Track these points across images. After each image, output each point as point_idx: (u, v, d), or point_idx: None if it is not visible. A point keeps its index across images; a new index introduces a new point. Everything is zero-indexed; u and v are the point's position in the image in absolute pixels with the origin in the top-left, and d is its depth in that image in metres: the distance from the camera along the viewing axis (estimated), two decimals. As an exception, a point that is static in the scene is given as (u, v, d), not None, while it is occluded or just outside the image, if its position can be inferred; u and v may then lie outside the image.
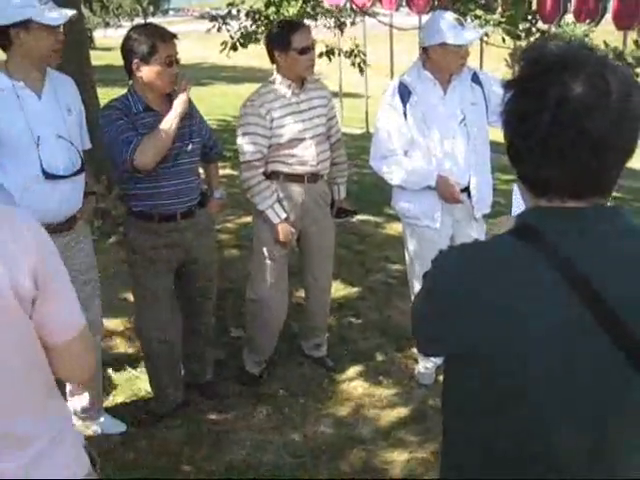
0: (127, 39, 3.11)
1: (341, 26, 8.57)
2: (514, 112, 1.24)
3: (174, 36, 3.14)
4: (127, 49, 3.10)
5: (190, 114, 3.31)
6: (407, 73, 3.61)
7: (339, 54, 8.32)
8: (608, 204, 1.25)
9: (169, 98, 3.21)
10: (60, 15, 2.82)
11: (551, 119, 1.17)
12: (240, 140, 3.53)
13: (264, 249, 3.69)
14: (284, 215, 3.57)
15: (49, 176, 2.85)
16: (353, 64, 8.43)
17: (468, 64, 3.54)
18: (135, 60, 3.06)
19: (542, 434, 1.22)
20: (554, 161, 1.20)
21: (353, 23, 9.31)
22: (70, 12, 2.86)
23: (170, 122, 3.09)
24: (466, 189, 3.50)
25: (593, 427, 1.21)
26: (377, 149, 3.63)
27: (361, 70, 8.36)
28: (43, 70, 2.92)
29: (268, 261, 3.70)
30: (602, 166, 1.19)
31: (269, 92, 3.53)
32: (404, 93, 3.51)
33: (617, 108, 1.16)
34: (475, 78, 3.57)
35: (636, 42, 8.14)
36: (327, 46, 8.33)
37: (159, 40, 3.05)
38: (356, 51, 8.33)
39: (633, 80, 1.20)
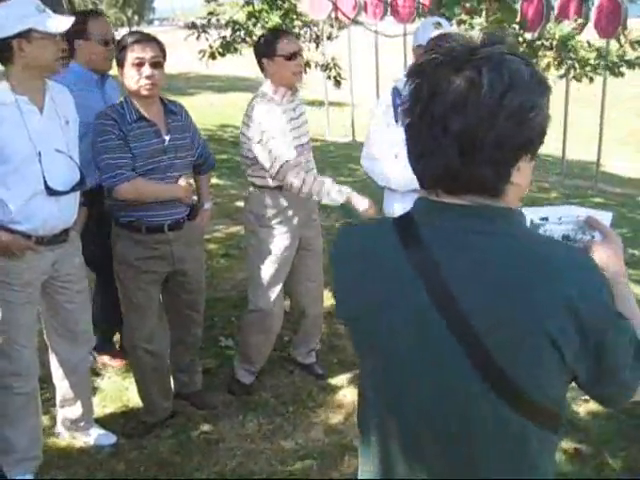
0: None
1: (316, 40, 8.57)
2: (404, 105, 1.26)
3: (147, 39, 3.14)
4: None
5: (184, 126, 3.32)
6: (401, 78, 3.68)
7: (315, 66, 8.34)
8: (502, 204, 1.23)
9: (163, 106, 3.24)
10: (60, 22, 2.81)
11: (420, 113, 1.19)
12: (271, 145, 3.40)
13: (271, 258, 3.66)
14: (348, 188, 3.46)
15: (52, 192, 2.85)
16: (329, 77, 8.46)
17: None
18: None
19: (394, 395, 1.35)
20: (424, 155, 1.22)
21: (329, 38, 9.33)
22: (69, 19, 2.86)
23: (162, 193, 3.21)
24: None
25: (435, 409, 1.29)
26: (368, 150, 3.71)
27: (337, 83, 8.38)
28: (44, 82, 2.91)
29: (274, 271, 3.69)
30: (470, 163, 1.17)
31: (270, 100, 3.53)
32: (396, 97, 3.56)
33: (488, 105, 1.14)
34: None
35: (619, 40, 8.25)
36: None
37: (133, 41, 3.10)
38: (332, 64, 8.36)
39: (523, 78, 1.16)
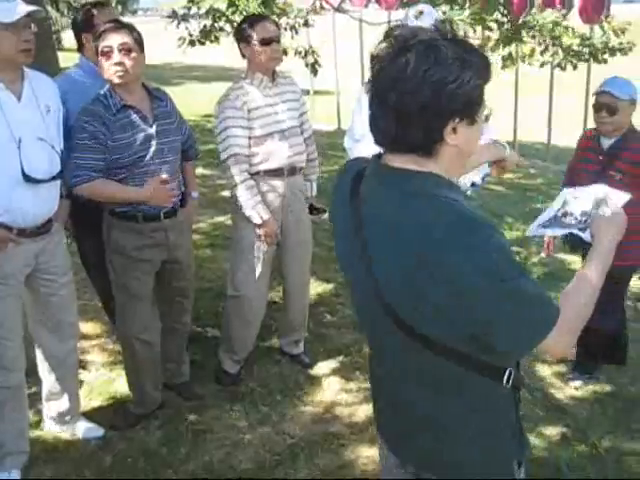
0: None
1: (292, 28, 8.53)
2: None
3: (116, 26, 3.12)
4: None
5: (170, 112, 3.32)
6: None
7: (295, 54, 8.31)
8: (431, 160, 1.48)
9: (149, 94, 3.24)
10: (15, 11, 2.71)
11: (372, 88, 1.48)
12: (221, 136, 3.55)
13: (247, 245, 3.70)
14: (267, 216, 3.58)
15: (29, 179, 2.82)
16: (306, 65, 8.42)
17: None
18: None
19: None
20: (374, 122, 1.50)
21: (306, 24, 9.24)
22: (29, 8, 2.76)
23: (124, 195, 3.18)
24: None
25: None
26: (351, 131, 3.80)
27: (314, 70, 8.33)
28: (19, 70, 2.86)
29: (251, 257, 3.71)
30: (403, 127, 1.44)
31: (242, 87, 3.59)
32: None
33: (414, 79, 1.39)
34: None
35: (602, 27, 8.26)
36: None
37: (102, 31, 3.12)
38: (310, 51, 8.32)
39: (446, 57, 1.39)
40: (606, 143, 3.62)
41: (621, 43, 8.34)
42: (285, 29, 8.15)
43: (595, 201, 1.86)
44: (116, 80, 3.09)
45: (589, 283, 1.58)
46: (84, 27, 3.52)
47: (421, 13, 3.53)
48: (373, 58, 1.49)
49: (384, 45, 1.46)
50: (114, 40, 3.05)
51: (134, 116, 3.15)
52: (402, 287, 1.48)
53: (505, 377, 1.59)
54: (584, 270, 1.62)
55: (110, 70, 3.07)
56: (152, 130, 3.19)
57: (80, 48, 3.60)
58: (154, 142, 3.19)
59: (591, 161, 3.64)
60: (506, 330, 1.47)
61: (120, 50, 3.05)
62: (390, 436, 1.85)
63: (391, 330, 1.55)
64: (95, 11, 3.56)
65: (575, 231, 1.91)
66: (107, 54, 3.05)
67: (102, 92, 3.16)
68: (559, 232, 2.02)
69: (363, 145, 3.58)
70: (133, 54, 3.09)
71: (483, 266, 1.39)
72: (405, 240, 1.45)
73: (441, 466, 1.71)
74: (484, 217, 1.47)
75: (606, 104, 3.49)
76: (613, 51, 8.41)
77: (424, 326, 1.50)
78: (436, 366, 1.57)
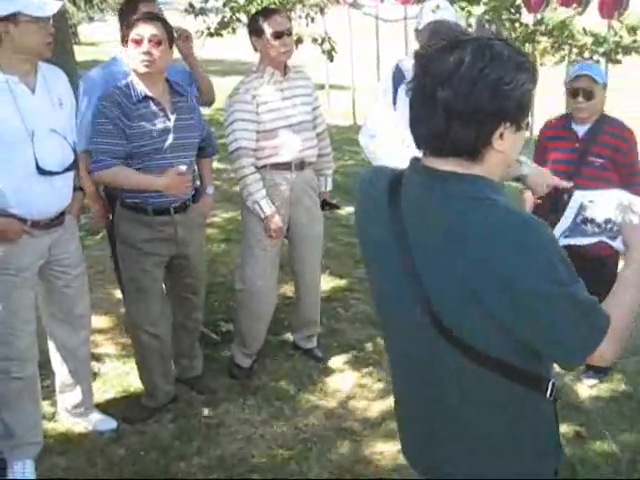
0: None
1: (308, 16, 8.55)
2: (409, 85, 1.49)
3: (149, 17, 3.15)
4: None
5: (190, 107, 3.32)
6: (405, 57, 3.66)
7: (311, 42, 8.35)
8: (477, 166, 1.43)
9: (170, 87, 3.24)
10: (49, 6, 2.77)
11: (419, 87, 1.43)
12: (230, 128, 3.56)
13: (254, 239, 3.70)
14: (270, 210, 3.57)
15: (43, 172, 2.83)
16: (323, 51, 8.45)
17: None
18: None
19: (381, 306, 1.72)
20: (419, 121, 1.45)
21: (322, 11, 9.21)
22: (58, 3, 2.82)
23: (142, 183, 3.16)
24: None
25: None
26: (366, 127, 3.76)
27: (330, 57, 8.35)
28: (35, 64, 2.88)
29: (258, 251, 3.71)
30: (453, 126, 1.38)
31: (253, 80, 3.60)
32: (398, 77, 3.55)
33: (469, 77, 1.34)
34: None
35: (613, 28, 8.17)
36: (296, 34, 8.34)
37: (135, 19, 3.13)
38: (326, 38, 8.35)
39: (502, 57, 1.36)
40: (580, 130, 3.61)
41: (635, 41, 8.21)
42: (300, 17, 8.16)
43: (619, 207, 1.80)
44: (142, 69, 3.11)
45: (630, 291, 1.52)
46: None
47: (438, 7, 3.51)
48: (419, 55, 1.44)
49: (430, 44, 1.43)
50: (146, 30, 3.08)
51: (154, 107, 3.16)
52: (452, 293, 1.42)
53: (549, 389, 1.55)
54: (624, 279, 1.55)
55: (137, 58, 3.09)
56: (170, 123, 3.20)
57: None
58: (171, 136, 3.19)
59: (567, 150, 3.61)
60: (560, 337, 1.41)
61: (150, 40, 3.07)
62: (418, 449, 1.74)
63: (433, 338, 1.48)
64: (140, 4, 3.58)
65: (605, 239, 1.83)
66: (138, 42, 3.07)
67: (124, 82, 3.18)
68: (585, 241, 1.92)
69: (378, 141, 3.58)
70: (162, 47, 3.11)
71: (542, 268, 1.35)
72: (457, 244, 1.39)
73: None
74: (536, 218, 1.42)
75: (583, 88, 3.49)
76: (627, 50, 8.27)
77: (471, 334, 1.45)
78: (481, 378, 1.50)
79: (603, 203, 1.84)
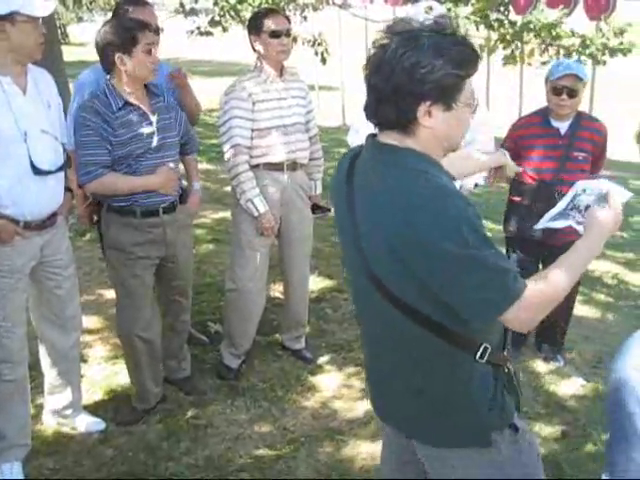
0: (104, 34, 3.07)
1: (302, 12, 8.57)
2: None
3: (148, 24, 3.15)
4: (105, 44, 3.07)
5: (167, 106, 3.32)
6: None
7: (303, 43, 8.34)
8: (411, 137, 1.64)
9: (147, 90, 3.22)
10: (45, 7, 2.78)
11: (365, 74, 1.65)
12: (225, 126, 3.57)
13: (245, 239, 3.71)
14: (264, 208, 3.58)
15: (38, 172, 2.84)
16: (316, 53, 8.46)
17: None
18: (117, 54, 3.03)
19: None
20: (365, 106, 1.68)
21: (316, 9, 9.22)
22: (53, 3, 2.84)
23: (134, 186, 3.16)
24: None
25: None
26: (352, 127, 3.84)
27: (323, 59, 8.36)
28: (25, 65, 2.88)
29: (249, 251, 3.72)
30: (381, 106, 1.61)
31: (249, 78, 3.62)
32: None
33: (390, 63, 1.55)
34: None
35: (601, 29, 8.22)
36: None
37: (137, 30, 3.06)
38: (319, 40, 8.36)
39: (422, 45, 1.54)
40: (562, 126, 3.69)
41: (621, 43, 8.27)
42: (295, 14, 8.18)
43: (598, 196, 1.87)
44: (151, 77, 3.16)
45: (567, 270, 1.64)
46: None
47: (431, 9, 3.52)
48: (371, 49, 1.65)
49: (378, 37, 1.63)
50: (152, 37, 3.12)
51: (135, 113, 3.15)
52: (384, 255, 1.60)
53: (479, 352, 1.67)
54: (566, 256, 1.68)
55: (150, 67, 3.11)
56: (153, 127, 3.19)
57: None
58: (155, 138, 3.19)
59: (550, 146, 3.69)
60: (466, 297, 1.56)
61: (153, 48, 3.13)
62: (380, 405, 1.98)
63: (377, 300, 1.67)
64: (130, 8, 3.53)
65: (573, 223, 1.94)
66: (149, 52, 3.09)
67: (101, 89, 3.15)
68: (561, 224, 2.05)
69: (361, 136, 3.60)
70: (154, 51, 3.14)
71: (451, 231, 1.50)
72: (384, 208, 1.59)
73: (424, 434, 1.83)
74: (459, 192, 1.60)
75: (567, 87, 3.56)
76: (613, 51, 8.32)
77: (406, 294, 1.62)
78: (416, 336, 1.67)
79: (594, 193, 1.91)
